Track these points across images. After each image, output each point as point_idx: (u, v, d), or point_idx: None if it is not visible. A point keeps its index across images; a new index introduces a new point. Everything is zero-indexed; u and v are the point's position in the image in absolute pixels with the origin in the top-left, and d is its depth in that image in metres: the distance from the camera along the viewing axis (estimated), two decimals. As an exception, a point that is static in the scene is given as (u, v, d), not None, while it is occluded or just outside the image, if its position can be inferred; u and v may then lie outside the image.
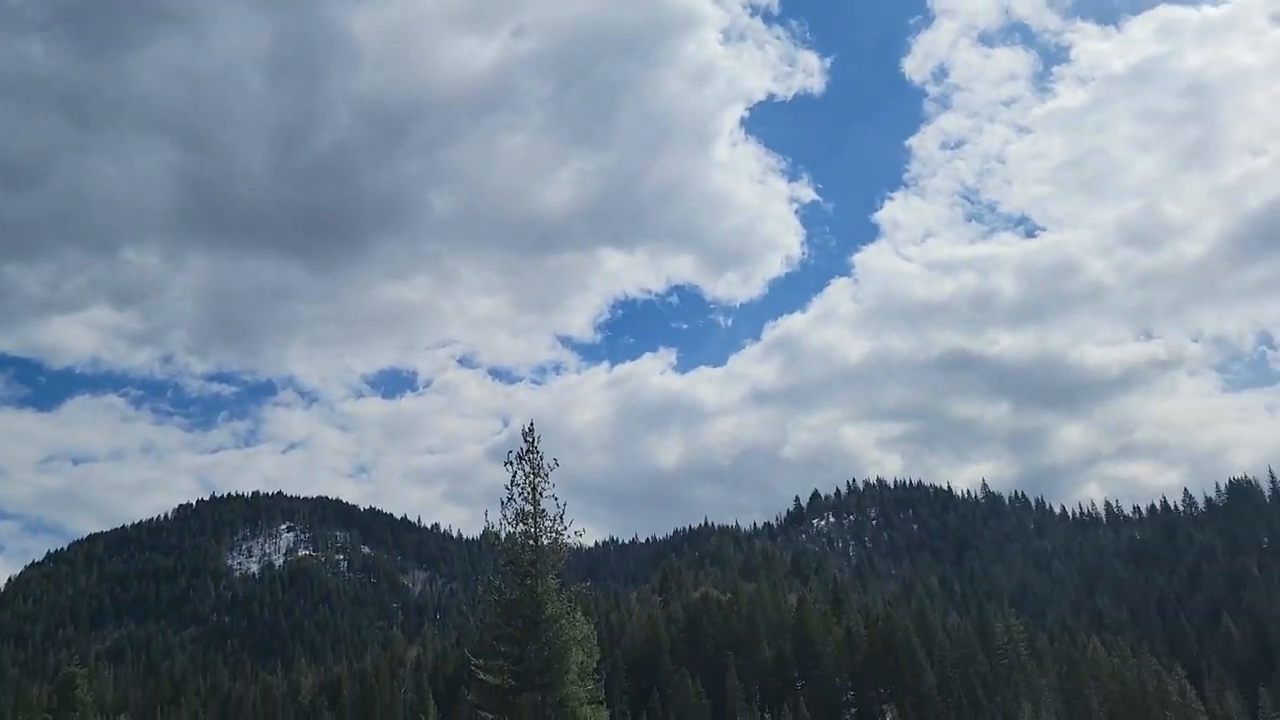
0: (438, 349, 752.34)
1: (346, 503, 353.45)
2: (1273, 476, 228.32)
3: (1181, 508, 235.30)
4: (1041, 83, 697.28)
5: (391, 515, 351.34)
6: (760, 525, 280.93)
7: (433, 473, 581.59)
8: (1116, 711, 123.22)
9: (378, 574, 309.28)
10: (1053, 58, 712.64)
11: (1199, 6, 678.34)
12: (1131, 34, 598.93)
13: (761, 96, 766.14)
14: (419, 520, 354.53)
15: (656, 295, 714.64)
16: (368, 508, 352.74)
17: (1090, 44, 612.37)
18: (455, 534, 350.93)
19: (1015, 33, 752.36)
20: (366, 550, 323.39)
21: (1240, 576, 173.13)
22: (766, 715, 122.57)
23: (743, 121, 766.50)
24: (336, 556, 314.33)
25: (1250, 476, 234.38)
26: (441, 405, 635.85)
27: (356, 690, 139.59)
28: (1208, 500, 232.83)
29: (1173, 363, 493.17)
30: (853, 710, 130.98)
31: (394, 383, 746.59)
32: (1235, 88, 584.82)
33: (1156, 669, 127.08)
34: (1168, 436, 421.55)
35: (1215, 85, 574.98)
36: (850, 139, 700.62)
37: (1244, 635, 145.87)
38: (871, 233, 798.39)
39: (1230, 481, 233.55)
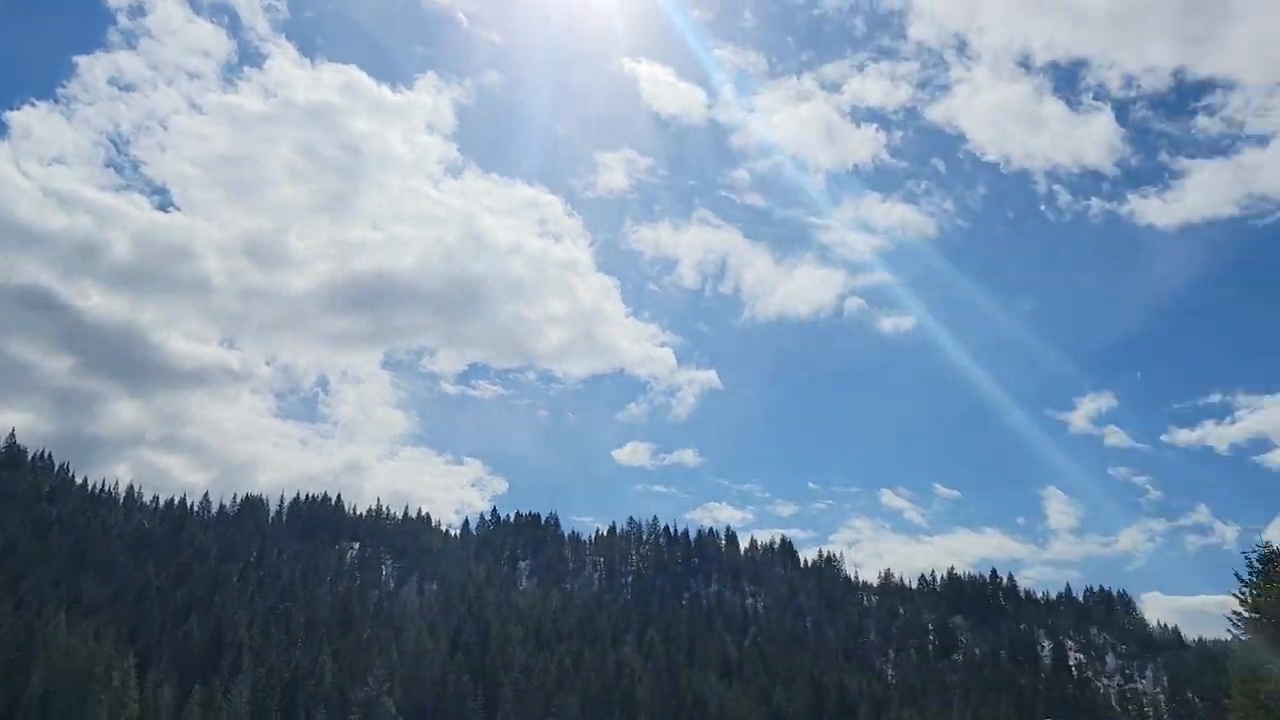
0: None
1: None
2: (282, 501, 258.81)
3: (197, 508, 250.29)
4: (231, 75, 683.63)
5: None
6: None
7: None
8: (58, 687, 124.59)
9: None
10: (249, 58, 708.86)
11: (380, 85, 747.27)
12: (322, 76, 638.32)
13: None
14: None
15: None
16: None
17: (286, 65, 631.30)
18: None
19: (225, 15, 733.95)
20: None
21: (222, 581, 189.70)
22: None
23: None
24: None
25: (264, 495, 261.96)
26: None
27: None
28: (222, 507, 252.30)
29: (243, 376, 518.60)
30: None
31: None
32: (382, 166, 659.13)
33: (110, 653, 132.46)
34: (213, 440, 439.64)
35: (369, 155, 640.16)
36: (12, 23, 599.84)
37: (204, 635, 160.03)
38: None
39: (246, 496, 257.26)
